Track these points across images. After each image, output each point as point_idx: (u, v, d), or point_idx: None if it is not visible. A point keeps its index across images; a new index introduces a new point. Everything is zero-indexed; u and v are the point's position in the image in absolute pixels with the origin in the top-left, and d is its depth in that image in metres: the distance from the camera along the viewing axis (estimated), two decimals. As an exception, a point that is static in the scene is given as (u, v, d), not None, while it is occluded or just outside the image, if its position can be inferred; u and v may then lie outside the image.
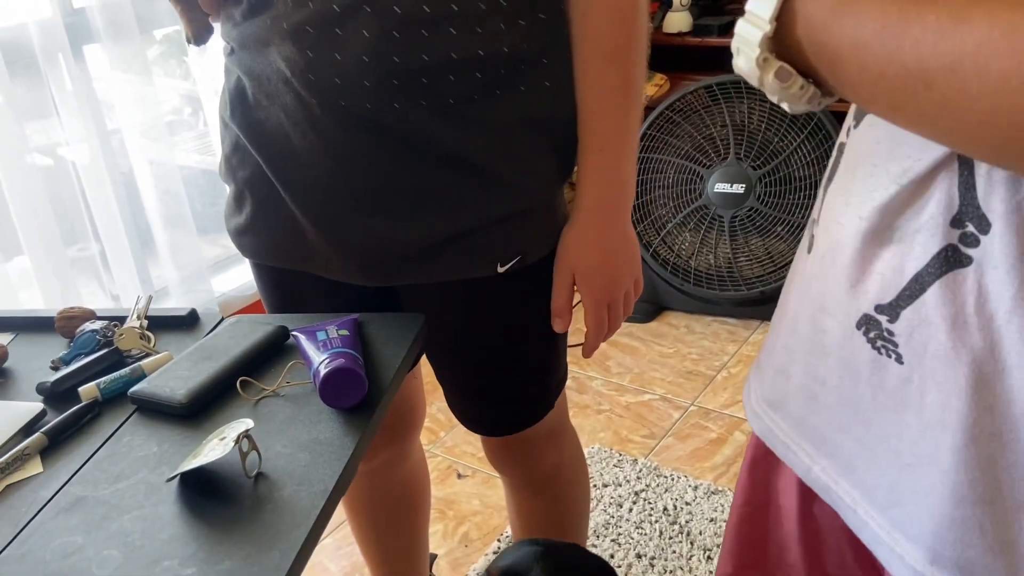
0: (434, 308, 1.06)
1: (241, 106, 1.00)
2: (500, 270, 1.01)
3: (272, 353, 0.98)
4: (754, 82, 0.49)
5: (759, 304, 2.56)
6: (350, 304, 1.08)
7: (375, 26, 0.86)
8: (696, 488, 1.99)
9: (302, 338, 0.94)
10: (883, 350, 0.51)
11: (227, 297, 2.34)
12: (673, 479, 2.03)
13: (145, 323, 1.04)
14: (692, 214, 2.61)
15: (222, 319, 1.09)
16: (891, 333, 0.50)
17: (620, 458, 2.11)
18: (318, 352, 0.90)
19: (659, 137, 2.61)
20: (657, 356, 2.52)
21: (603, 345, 2.62)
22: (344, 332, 0.94)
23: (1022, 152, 0.38)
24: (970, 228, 0.45)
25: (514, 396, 1.16)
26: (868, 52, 0.42)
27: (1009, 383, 0.45)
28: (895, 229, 0.49)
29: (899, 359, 0.50)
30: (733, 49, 0.49)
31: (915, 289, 0.48)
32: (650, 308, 2.70)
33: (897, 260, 0.49)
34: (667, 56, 2.85)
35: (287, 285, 1.11)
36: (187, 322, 1.09)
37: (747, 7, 0.48)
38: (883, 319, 0.50)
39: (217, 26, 1.04)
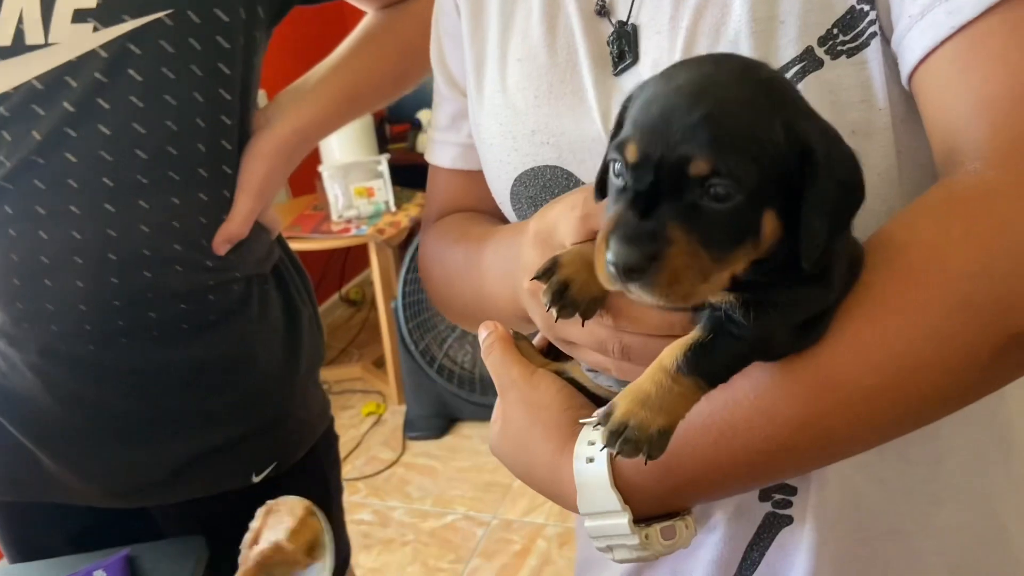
0: (191, 525, 1.05)
1: None
2: (256, 479, 0.99)
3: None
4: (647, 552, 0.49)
5: (546, 404, 2.66)
6: (98, 528, 1.02)
7: (90, 275, 0.85)
8: (511, 607, 2.01)
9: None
10: None
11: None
12: (487, 602, 2.04)
13: None
14: (470, 326, 2.69)
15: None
16: None
17: (432, 591, 2.10)
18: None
19: (428, 257, 2.69)
20: (455, 472, 2.54)
21: (401, 470, 2.63)
22: (115, 581, 0.87)
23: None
24: (778, 496, 0.57)
25: None
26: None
27: None
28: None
29: None
30: (603, 550, 0.50)
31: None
32: (442, 423, 2.73)
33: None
34: (423, 176, 2.95)
35: (24, 520, 1.03)
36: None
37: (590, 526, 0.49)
38: None
39: None
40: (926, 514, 0.59)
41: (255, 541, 0.42)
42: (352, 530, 1.16)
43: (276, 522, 0.41)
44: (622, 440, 0.42)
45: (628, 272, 0.39)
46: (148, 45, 0.81)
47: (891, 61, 0.49)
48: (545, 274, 0.46)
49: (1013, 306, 0.40)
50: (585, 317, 0.47)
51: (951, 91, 0.45)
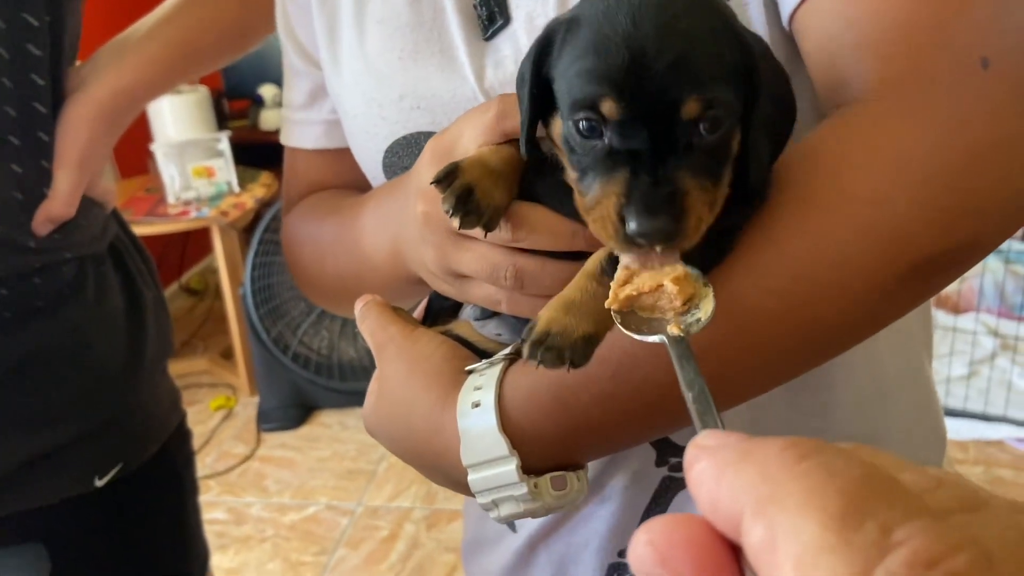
0: (26, 540, 0.92)
1: None
2: (99, 483, 0.90)
3: None
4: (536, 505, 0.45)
5: (406, 387, 2.62)
6: None
7: None
8: (377, 598, 1.96)
9: None
10: None
11: None
12: (351, 597, 1.98)
13: None
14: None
15: None
16: None
17: (291, 591, 2.01)
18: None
19: (276, 240, 2.56)
20: (315, 462, 2.45)
21: (257, 464, 2.50)
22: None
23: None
24: (674, 460, 0.57)
25: None
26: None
27: None
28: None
29: None
30: (487, 506, 0.45)
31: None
32: (298, 412, 2.62)
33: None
34: (268, 154, 2.81)
35: None
36: None
37: (466, 464, 0.45)
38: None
39: None
40: None
41: (627, 281, 0.38)
42: (206, 531, 1.08)
43: (656, 271, 0.37)
44: (543, 348, 0.39)
45: (664, 238, 0.37)
46: None
47: (769, 3, 0.49)
48: (446, 178, 0.42)
49: (915, 234, 0.40)
50: (488, 229, 0.43)
51: (835, 28, 0.44)
